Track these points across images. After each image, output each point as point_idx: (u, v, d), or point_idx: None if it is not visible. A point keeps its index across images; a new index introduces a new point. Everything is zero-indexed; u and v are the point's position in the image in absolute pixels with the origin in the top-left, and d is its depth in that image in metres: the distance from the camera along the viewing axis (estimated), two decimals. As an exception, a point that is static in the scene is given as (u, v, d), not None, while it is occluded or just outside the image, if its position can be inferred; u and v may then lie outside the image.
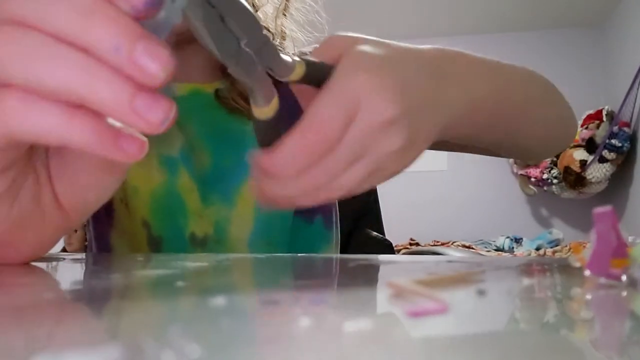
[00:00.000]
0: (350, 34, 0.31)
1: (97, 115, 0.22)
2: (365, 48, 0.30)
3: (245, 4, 0.25)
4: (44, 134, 0.22)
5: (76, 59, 0.20)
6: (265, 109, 0.28)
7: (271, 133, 0.28)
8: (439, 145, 0.43)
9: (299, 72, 0.28)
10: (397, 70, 0.30)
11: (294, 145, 0.27)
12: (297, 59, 0.28)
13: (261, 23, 0.26)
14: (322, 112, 0.27)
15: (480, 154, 0.52)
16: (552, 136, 0.49)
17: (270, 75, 0.27)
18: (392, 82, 0.29)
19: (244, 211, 0.52)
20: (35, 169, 0.29)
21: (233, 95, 0.52)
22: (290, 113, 0.28)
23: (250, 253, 0.52)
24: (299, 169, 0.28)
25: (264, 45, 0.26)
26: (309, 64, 0.29)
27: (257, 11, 0.55)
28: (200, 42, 0.25)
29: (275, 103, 0.28)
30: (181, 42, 0.47)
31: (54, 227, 0.30)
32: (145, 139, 0.23)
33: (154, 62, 0.20)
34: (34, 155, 0.28)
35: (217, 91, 0.53)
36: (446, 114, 0.33)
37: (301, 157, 0.27)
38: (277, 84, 0.28)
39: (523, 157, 0.54)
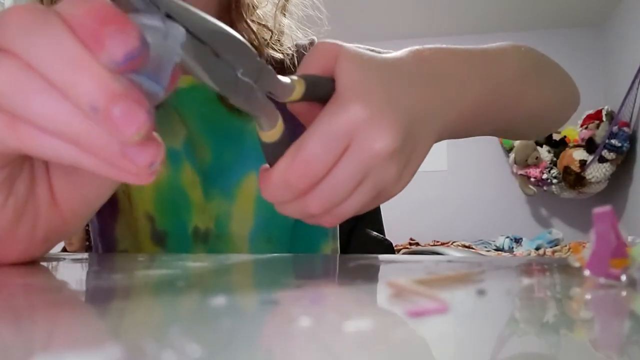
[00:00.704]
0: (334, 41, 0.31)
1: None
2: (355, 66, 0.29)
3: (236, 34, 0.24)
4: (55, 157, 0.23)
5: (66, 108, 0.21)
6: (270, 132, 0.28)
7: (279, 155, 0.28)
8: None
9: (299, 91, 0.28)
10: (385, 86, 0.30)
11: (281, 174, 0.28)
12: (295, 77, 0.28)
13: (254, 51, 0.25)
14: (310, 144, 0.28)
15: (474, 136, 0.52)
16: (551, 107, 0.49)
17: (271, 99, 0.27)
18: (386, 110, 0.29)
19: (244, 207, 0.52)
20: (32, 162, 0.28)
21: None
22: (297, 133, 0.29)
23: (250, 249, 0.52)
24: (290, 196, 0.29)
25: (261, 72, 0.26)
26: (307, 80, 0.29)
27: (256, 9, 0.55)
28: (196, 78, 0.24)
29: (280, 125, 0.28)
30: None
31: (47, 225, 0.30)
32: (160, 157, 0.23)
33: (129, 126, 0.20)
34: None
35: None
36: (441, 121, 0.34)
37: (289, 186, 0.28)
38: (281, 105, 0.28)
39: (525, 135, 0.53)
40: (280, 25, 0.56)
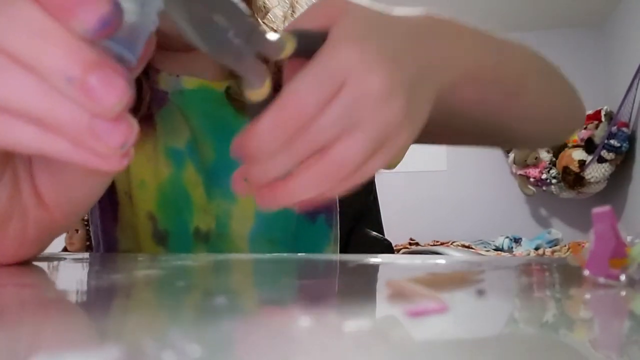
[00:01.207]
0: None
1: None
2: (354, 17, 0.29)
3: None
4: (20, 147, 0.22)
5: (32, 83, 0.20)
6: (259, 90, 0.27)
7: None
8: (434, 128, 0.42)
9: (290, 47, 0.28)
10: (387, 39, 0.29)
11: (269, 119, 0.26)
12: (285, 34, 0.28)
13: (245, 11, 0.25)
14: (299, 86, 0.26)
15: (479, 144, 0.51)
16: (553, 114, 0.47)
17: (263, 59, 0.27)
18: (381, 53, 0.28)
19: (245, 207, 0.52)
20: (13, 162, 0.28)
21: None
22: None
23: (251, 250, 0.52)
24: (277, 144, 0.27)
25: (252, 33, 0.25)
26: (300, 36, 0.28)
27: (267, 13, 0.56)
28: (187, 39, 0.24)
29: (268, 84, 0.27)
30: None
31: (36, 224, 0.29)
32: (129, 151, 0.22)
33: (108, 95, 0.19)
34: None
35: (227, 89, 0.53)
36: (441, 77, 0.33)
37: (277, 130, 0.26)
38: (273, 68, 0.27)
39: (525, 140, 0.51)
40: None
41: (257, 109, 0.28)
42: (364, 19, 0.29)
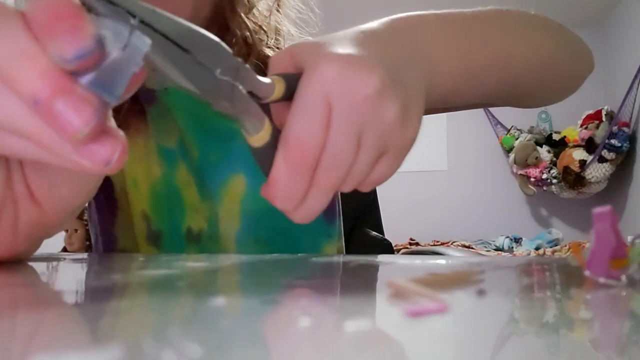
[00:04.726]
0: (308, 39, 0.31)
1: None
2: (319, 44, 0.29)
3: (209, 34, 0.24)
4: (15, 153, 0.22)
5: (18, 103, 0.20)
6: (259, 135, 0.27)
7: (272, 158, 0.27)
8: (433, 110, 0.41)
9: (279, 89, 0.27)
10: (358, 47, 0.29)
11: (283, 171, 0.27)
12: (273, 77, 0.28)
13: (228, 49, 0.25)
14: (295, 124, 0.26)
15: (481, 106, 0.49)
16: (558, 62, 0.45)
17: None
18: (357, 61, 0.28)
19: (230, 207, 0.51)
20: (7, 159, 0.28)
21: None
22: None
23: (238, 250, 0.52)
24: (302, 185, 0.27)
25: (239, 70, 0.25)
26: (286, 78, 0.28)
27: (251, 9, 0.55)
28: (174, 83, 0.24)
29: (268, 126, 0.27)
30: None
31: (28, 221, 0.29)
32: (122, 148, 0.22)
33: (72, 122, 0.19)
34: None
35: None
36: (429, 64, 0.33)
37: (295, 178, 0.27)
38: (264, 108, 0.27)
39: (535, 95, 0.49)
40: (277, 24, 0.56)
41: (260, 154, 0.27)
42: (329, 42, 0.29)
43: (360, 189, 0.31)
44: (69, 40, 0.19)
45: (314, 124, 0.26)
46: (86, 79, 0.20)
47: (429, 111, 0.40)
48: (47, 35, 0.19)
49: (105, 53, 0.20)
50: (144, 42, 0.21)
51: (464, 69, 0.37)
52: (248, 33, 0.54)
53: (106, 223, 0.54)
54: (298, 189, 0.27)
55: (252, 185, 0.51)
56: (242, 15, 0.53)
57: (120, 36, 0.20)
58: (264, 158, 0.27)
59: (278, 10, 0.57)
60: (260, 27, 0.55)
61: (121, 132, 0.22)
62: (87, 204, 0.58)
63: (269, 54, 0.54)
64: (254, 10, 0.55)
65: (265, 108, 0.27)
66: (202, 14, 0.50)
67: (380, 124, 0.28)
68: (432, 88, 0.33)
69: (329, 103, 0.27)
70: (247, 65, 0.26)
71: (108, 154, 0.21)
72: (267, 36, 0.55)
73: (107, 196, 0.53)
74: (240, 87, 0.25)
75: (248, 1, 0.55)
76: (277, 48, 0.56)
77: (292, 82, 0.28)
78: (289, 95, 0.28)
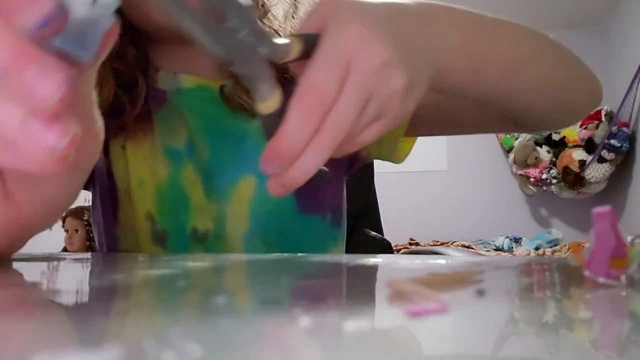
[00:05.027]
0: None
1: None
2: (345, 9, 0.31)
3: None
4: None
5: None
6: (270, 101, 0.28)
7: (279, 125, 0.28)
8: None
9: (296, 49, 0.29)
10: (383, 20, 0.31)
11: (296, 110, 0.28)
12: (291, 37, 0.29)
13: (254, 14, 0.27)
14: (315, 73, 0.28)
15: (487, 127, 0.50)
16: (566, 91, 0.46)
17: (271, 63, 0.28)
18: (379, 31, 0.30)
19: (238, 208, 0.52)
20: None
21: (238, 92, 0.52)
22: None
23: (246, 251, 0.52)
24: (309, 132, 0.28)
25: (261, 35, 0.27)
26: (305, 39, 0.29)
27: (266, 13, 0.55)
28: (197, 43, 0.25)
29: (278, 94, 0.28)
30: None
31: (5, 219, 0.29)
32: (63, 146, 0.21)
33: (43, 88, 0.19)
34: None
35: (221, 88, 0.54)
36: (435, 56, 0.34)
37: (307, 118, 0.28)
38: (281, 80, 0.28)
39: (539, 119, 0.49)
40: (292, 30, 0.56)
41: (268, 121, 0.28)
42: (355, 8, 0.31)
43: (345, 148, 0.31)
44: (33, 9, 0.19)
45: (332, 75, 0.28)
46: (57, 40, 0.20)
47: (438, 124, 0.40)
48: (8, 7, 0.19)
49: (70, 14, 0.20)
50: (112, 2, 0.21)
51: (472, 69, 0.38)
52: None
53: (109, 224, 0.54)
54: (304, 133, 0.28)
55: (261, 187, 0.52)
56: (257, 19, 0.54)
57: None
58: (271, 126, 0.28)
59: (293, 17, 0.57)
60: (276, 31, 0.55)
61: (77, 126, 0.21)
62: (92, 205, 0.58)
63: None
64: (269, 15, 0.55)
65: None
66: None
67: (387, 91, 0.30)
68: (438, 78, 0.35)
69: (349, 63, 0.29)
70: (266, 30, 0.27)
71: (57, 137, 0.20)
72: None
73: (111, 197, 0.53)
74: (260, 52, 0.27)
75: (263, 5, 0.55)
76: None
77: (310, 43, 0.29)
78: (306, 55, 0.29)
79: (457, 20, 0.38)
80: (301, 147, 0.28)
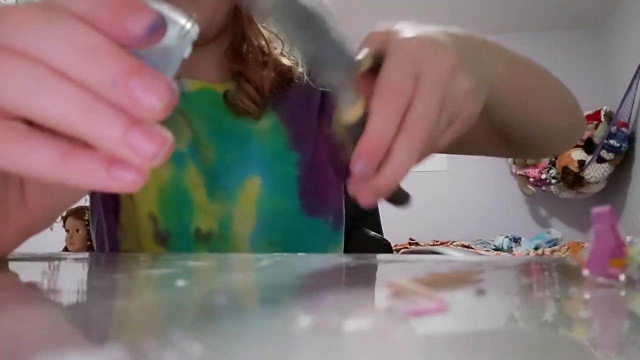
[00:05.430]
0: (386, 25, 0.34)
1: (91, 150, 0.21)
2: (404, 29, 0.33)
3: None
4: (35, 174, 0.22)
5: (75, 95, 0.20)
6: (355, 108, 0.30)
7: (362, 133, 0.30)
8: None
9: (367, 64, 0.31)
10: (443, 37, 0.33)
11: (378, 109, 0.29)
12: (364, 54, 0.32)
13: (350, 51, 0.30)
14: (389, 72, 0.30)
15: (500, 151, 0.53)
16: (560, 123, 0.50)
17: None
18: (441, 45, 0.31)
19: (245, 208, 0.52)
20: (4, 173, 0.28)
21: (241, 97, 0.53)
22: None
23: (251, 251, 0.52)
24: (394, 126, 0.29)
25: (347, 46, 0.30)
26: (371, 55, 0.32)
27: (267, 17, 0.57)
28: (299, 49, 0.28)
29: (362, 103, 0.30)
30: (195, 41, 0.47)
31: (17, 228, 0.30)
32: (143, 171, 0.22)
33: (150, 95, 0.20)
34: None
35: (225, 93, 0.54)
36: (489, 71, 0.37)
37: (389, 114, 0.29)
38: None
39: (535, 146, 0.53)
40: None
41: (353, 130, 0.30)
42: (412, 28, 0.33)
43: (432, 150, 0.33)
44: (139, 19, 0.20)
45: (406, 73, 0.30)
46: (146, 58, 0.21)
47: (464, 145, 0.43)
48: (112, 23, 0.20)
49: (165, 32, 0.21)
50: (195, 30, 0.22)
51: (509, 96, 0.42)
52: (264, 42, 0.55)
53: (110, 225, 0.54)
54: (389, 126, 0.29)
55: (267, 187, 0.52)
56: (258, 24, 0.55)
57: (176, 22, 0.22)
58: (357, 133, 0.30)
59: None
60: (277, 35, 0.56)
61: (168, 134, 0.22)
62: (90, 207, 0.58)
63: (285, 63, 0.55)
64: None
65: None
66: (218, 19, 0.51)
67: (457, 93, 0.31)
68: (489, 94, 0.37)
69: (420, 67, 0.30)
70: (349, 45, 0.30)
71: (158, 145, 0.21)
72: (283, 45, 0.56)
73: (112, 199, 0.53)
74: (346, 62, 0.30)
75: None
76: (293, 57, 0.57)
77: (375, 60, 0.32)
78: (369, 70, 0.32)
79: (500, 51, 0.41)
80: (388, 140, 0.29)
